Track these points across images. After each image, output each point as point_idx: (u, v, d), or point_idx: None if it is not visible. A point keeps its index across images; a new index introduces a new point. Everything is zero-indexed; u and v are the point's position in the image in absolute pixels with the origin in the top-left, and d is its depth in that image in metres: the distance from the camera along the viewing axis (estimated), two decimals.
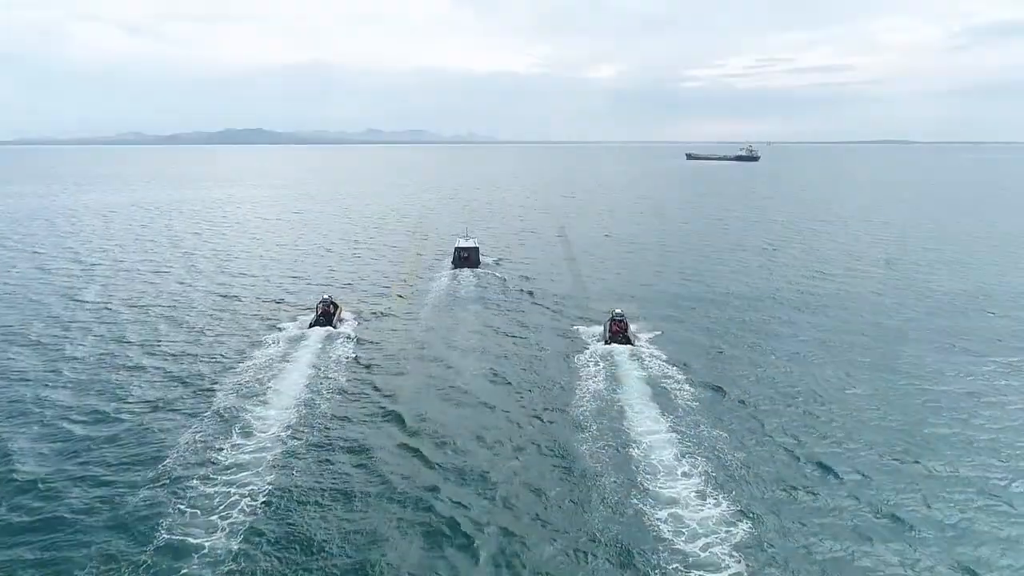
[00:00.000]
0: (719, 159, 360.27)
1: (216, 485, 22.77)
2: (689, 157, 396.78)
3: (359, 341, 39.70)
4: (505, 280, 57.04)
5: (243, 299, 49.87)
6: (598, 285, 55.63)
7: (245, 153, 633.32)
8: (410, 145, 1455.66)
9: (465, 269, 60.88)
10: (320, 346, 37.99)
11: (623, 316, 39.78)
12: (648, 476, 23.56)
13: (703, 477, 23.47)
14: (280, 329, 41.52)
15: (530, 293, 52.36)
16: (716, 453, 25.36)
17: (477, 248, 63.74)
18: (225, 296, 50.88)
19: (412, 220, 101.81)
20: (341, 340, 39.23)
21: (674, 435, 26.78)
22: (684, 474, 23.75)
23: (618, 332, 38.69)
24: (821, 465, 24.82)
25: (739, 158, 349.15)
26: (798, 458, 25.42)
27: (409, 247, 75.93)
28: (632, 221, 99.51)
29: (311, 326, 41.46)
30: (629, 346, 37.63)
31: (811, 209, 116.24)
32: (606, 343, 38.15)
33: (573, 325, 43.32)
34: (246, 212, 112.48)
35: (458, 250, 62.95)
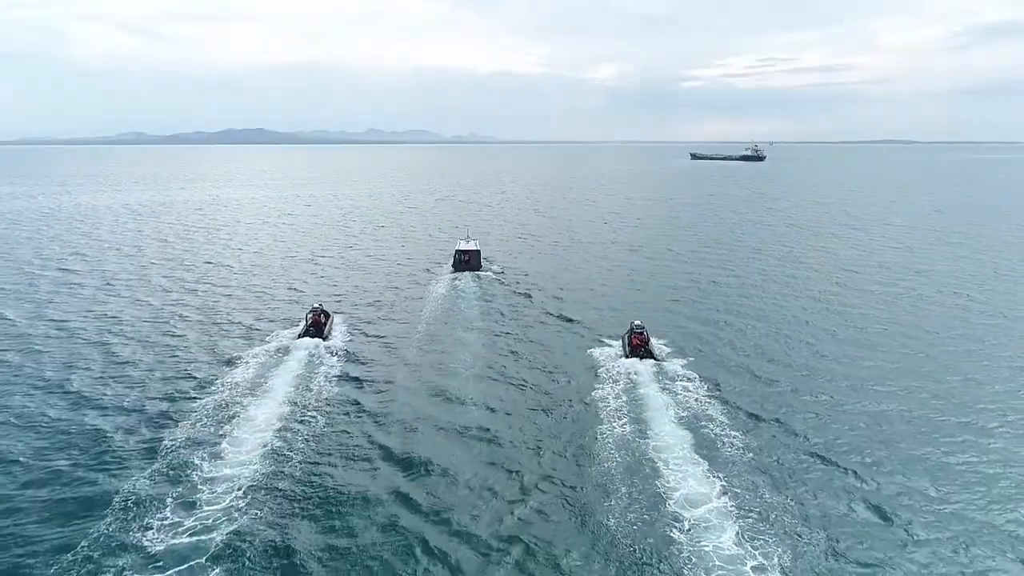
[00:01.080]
0: (724, 159, 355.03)
1: None
2: (694, 157, 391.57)
3: (349, 357, 35.20)
4: (507, 285, 52.74)
5: (205, 320, 42.81)
6: (606, 296, 50.17)
7: (245, 153, 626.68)
8: (411, 145, 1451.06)
9: (466, 272, 57.33)
10: (302, 371, 32.80)
11: (643, 328, 35.49)
12: (701, 574, 17.95)
13: (778, 573, 17.81)
14: (237, 358, 34.93)
15: (533, 299, 48.15)
16: (786, 530, 19.66)
17: (478, 251, 60.04)
18: (181, 317, 43.28)
19: (410, 222, 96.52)
20: (328, 364, 34.16)
21: (728, 502, 21.07)
22: (755, 569, 17.97)
23: (639, 345, 34.45)
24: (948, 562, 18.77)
25: (744, 158, 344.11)
26: (904, 530, 19.93)
27: (407, 250, 70.89)
28: (638, 225, 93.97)
29: (300, 336, 37.35)
30: (652, 361, 33.29)
31: (827, 212, 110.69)
32: (626, 357, 34.02)
33: (584, 337, 38.90)
34: (230, 215, 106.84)
35: (459, 252, 59.23)
